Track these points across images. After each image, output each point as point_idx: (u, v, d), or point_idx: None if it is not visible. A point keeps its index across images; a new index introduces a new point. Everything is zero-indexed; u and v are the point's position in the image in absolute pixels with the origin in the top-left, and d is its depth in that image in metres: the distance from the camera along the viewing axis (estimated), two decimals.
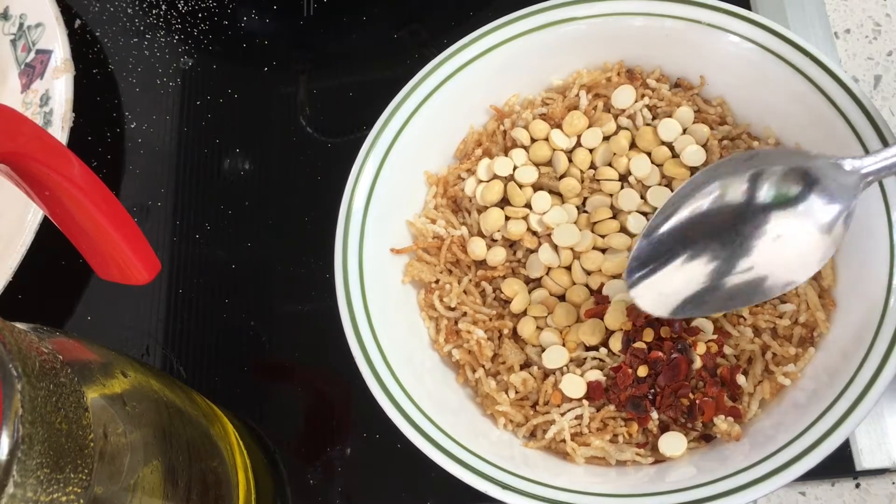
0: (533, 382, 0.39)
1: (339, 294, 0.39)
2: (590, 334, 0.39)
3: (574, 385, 0.38)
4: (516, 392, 0.39)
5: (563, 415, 0.38)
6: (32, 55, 0.53)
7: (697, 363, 0.37)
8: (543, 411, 0.38)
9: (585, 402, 0.38)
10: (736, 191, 0.35)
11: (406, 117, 0.42)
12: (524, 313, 0.40)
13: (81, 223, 0.32)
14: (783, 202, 0.35)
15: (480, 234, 0.42)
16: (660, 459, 0.37)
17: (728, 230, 0.35)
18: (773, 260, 0.35)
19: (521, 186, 0.42)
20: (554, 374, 0.39)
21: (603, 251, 0.41)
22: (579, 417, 0.38)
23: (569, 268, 0.41)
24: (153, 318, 0.49)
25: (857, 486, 0.42)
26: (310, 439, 0.45)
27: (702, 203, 0.36)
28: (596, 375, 0.38)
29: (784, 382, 0.37)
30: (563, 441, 0.37)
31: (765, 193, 0.35)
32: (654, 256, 0.36)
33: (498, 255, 0.41)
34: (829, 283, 0.38)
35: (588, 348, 0.39)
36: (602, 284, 0.40)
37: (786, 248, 0.35)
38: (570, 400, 0.38)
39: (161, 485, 0.32)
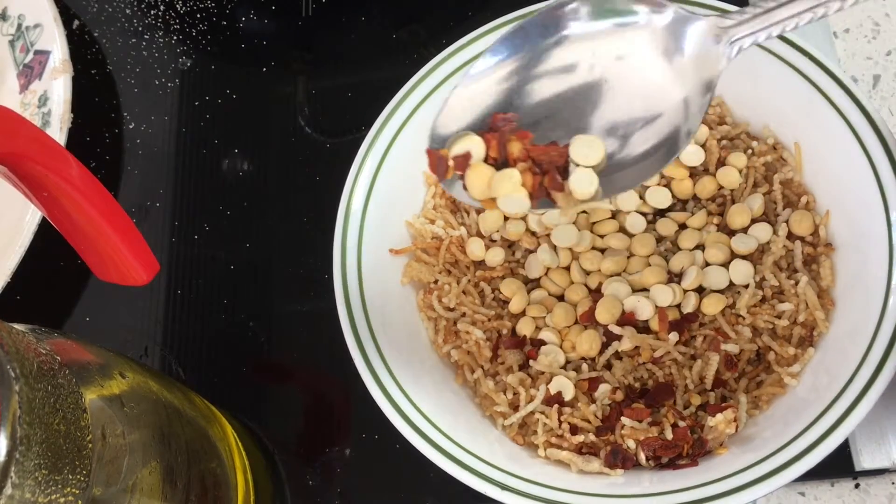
0: (530, 382, 0.39)
1: (338, 295, 0.39)
2: (587, 347, 0.39)
3: (563, 387, 0.38)
4: (514, 393, 0.39)
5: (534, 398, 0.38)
6: (31, 56, 0.53)
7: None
8: (527, 399, 0.38)
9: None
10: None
11: (405, 117, 0.42)
12: (523, 313, 0.40)
13: (80, 224, 0.32)
14: (632, 74, 0.30)
15: (479, 235, 0.42)
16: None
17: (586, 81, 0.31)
18: (619, 143, 0.30)
19: None
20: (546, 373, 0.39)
21: (602, 251, 0.41)
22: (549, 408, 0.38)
23: (567, 268, 0.41)
24: (152, 319, 0.49)
25: (857, 486, 0.42)
26: (309, 440, 0.45)
27: (532, 62, 0.31)
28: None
29: (790, 384, 0.36)
30: (534, 431, 0.38)
31: (608, 65, 0.30)
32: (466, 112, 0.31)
33: (497, 256, 0.41)
34: (828, 283, 0.38)
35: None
36: (600, 284, 0.40)
37: (636, 128, 0.30)
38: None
39: (160, 486, 0.32)
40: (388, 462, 0.43)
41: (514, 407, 0.39)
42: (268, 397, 0.47)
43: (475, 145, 0.30)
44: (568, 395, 0.38)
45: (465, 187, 0.30)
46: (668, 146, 0.30)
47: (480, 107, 0.31)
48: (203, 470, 0.36)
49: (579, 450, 0.37)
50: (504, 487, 0.34)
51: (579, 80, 0.30)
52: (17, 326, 0.29)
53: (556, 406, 0.38)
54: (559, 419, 0.37)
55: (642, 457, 0.36)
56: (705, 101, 0.30)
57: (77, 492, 0.27)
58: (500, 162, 0.30)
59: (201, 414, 0.38)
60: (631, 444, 0.36)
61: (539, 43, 0.31)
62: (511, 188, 0.29)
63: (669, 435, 0.36)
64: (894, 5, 0.51)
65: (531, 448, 0.38)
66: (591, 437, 0.37)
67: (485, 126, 0.31)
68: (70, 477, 0.26)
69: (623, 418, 0.37)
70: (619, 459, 0.36)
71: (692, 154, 0.41)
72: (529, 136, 0.30)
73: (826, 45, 0.50)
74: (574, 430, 0.37)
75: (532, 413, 0.38)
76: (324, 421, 0.46)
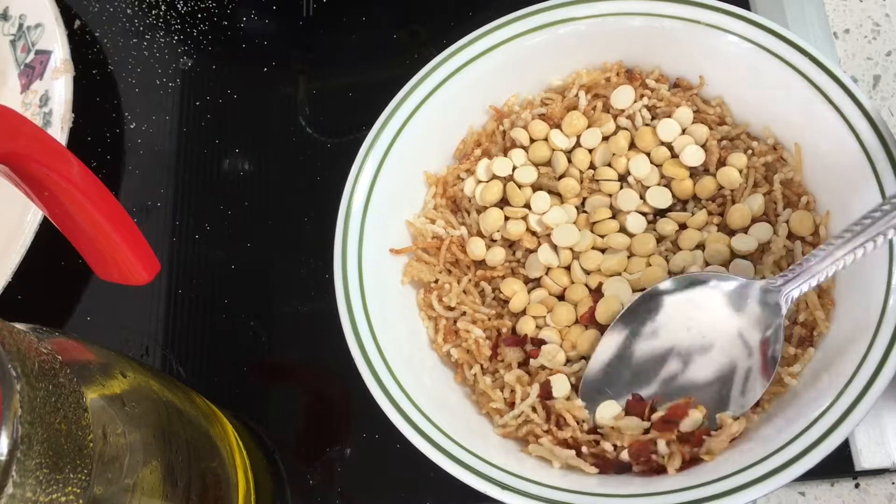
0: (527, 379, 0.39)
1: (339, 294, 0.39)
2: (588, 347, 0.39)
3: (559, 383, 0.38)
4: (512, 391, 0.39)
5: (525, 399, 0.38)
6: (32, 56, 0.53)
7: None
8: (523, 396, 0.38)
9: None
10: (666, 326, 0.38)
11: (405, 117, 0.42)
12: (523, 313, 0.40)
13: (81, 224, 0.32)
14: (716, 333, 0.37)
15: (480, 235, 0.42)
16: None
17: (663, 361, 0.38)
18: (717, 389, 0.37)
19: (520, 187, 0.42)
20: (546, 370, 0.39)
21: (602, 251, 0.41)
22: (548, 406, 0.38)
23: (568, 268, 0.41)
24: (153, 319, 0.49)
25: (857, 486, 0.42)
26: (309, 439, 0.45)
27: (636, 334, 0.38)
28: None
29: (790, 383, 0.36)
30: (529, 430, 0.38)
31: (696, 327, 0.37)
32: (604, 381, 0.38)
33: (497, 256, 0.41)
34: (828, 283, 0.38)
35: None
36: (601, 284, 0.40)
37: (728, 377, 0.37)
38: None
39: (160, 485, 0.32)
40: (388, 462, 0.43)
41: (511, 405, 0.39)
42: (268, 397, 0.47)
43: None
44: (561, 391, 0.38)
45: None
46: (745, 394, 0.37)
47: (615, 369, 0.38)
48: (204, 469, 0.36)
49: (572, 446, 0.37)
50: (504, 487, 0.34)
51: (673, 341, 0.38)
52: (19, 326, 0.29)
53: (550, 403, 0.38)
54: (549, 415, 0.38)
55: (625, 454, 0.36)
56: (774, 344, 0.36)
57: (78, 491, 0.27)
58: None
59: (202, 413, 0.38)
60: (613, 444, 0.36)
61: (640, 316, 0.38)
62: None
63: (664, 449, 0.36)
64: (894, 5, 0.51)
65: (527, 445, 0.38)
66: (583, 434, 0.37)
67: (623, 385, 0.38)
68: (71, 476, 0.26)
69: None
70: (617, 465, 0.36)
71: (692, 154, 0.41)
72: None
73: (826, 46, 0.50)
74: (562, 425, 0.38)
75: (532, 408, 0.38)
76: (324, 420, 0.46)
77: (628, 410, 0.37)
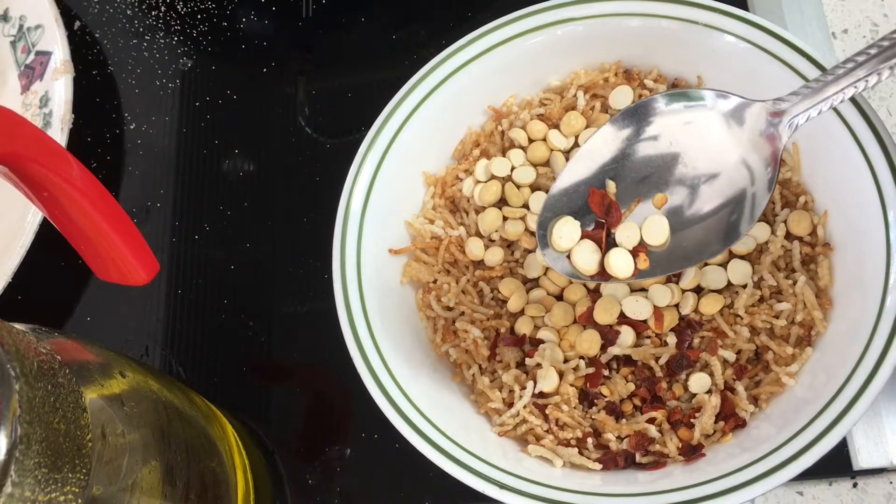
0: (525, 378, 0.39)
1: (337, 295, 0.39)
2: (587, 346, 0.39)
3: (546, 377, 0.38)
4: (510, 391, 0.39)
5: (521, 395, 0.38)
6: (32, 56, 0.53)
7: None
8: (519, 394, 0.39)
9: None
10: (662, 135, 0.36)
11: (404, 118, 0.42)
12: (522, 313, 0.41)
13: (80, 224, 0.33)
14: (711, 146, 0.36)
15: (478, 235, 0.43)
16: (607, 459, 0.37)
17: (657, 181, 0.36)
18: (708, 211, 0.35)
19: (518, 187, 0.42)
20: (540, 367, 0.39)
21: None
22: (540, 406, 0.38)
23: None
24: (152, 319, 0.49)
25: (855, 485, 0.42)
26: (308, 439, 0.46)
27: (630, 148, 0.36)
28: None
29: (788, 383, 0.37)
30: (528, 429, 0.38)
31: (695, 139, 0.36)
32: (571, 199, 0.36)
33: (496, 256, 0.42)
34: (826, 283, 0.38)
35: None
36: (599, 284, 0.40)
37: (718, 194, 0.35)
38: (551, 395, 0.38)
39: (159, 485, 0.32)
40: (388, 462, 0.43)
41: (510, 404, 0.39)
42: (268, 397, 0.47)
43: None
44: (549, 385, 0.38)
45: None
46: (734, 223, 0.35)
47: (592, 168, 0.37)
48: (203, 469, 0.36)
49: (568, 444, 0.37)
50: (503, 486, 0.34)
51: (660, 149, 0.36)
52: (18, 326, 0.30)
53: (544, 401, 0.38)
54: (545, 414, 0.38)
55: (619, 444, 0.36)
56: (770, 174, 0.35)
57: (77, 490, 0.27)
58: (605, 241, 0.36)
59: (201, 413, 0.39)
60: (612, 437, 0.37)
61: (630, 125, 0.37)
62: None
63: (654, 434, 0.36)
64: (893, 6, 0.51)
65: (525, 444, 0.38)
66: (578, 432, 0.37)
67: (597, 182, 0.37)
68: (70, 476, 0.26)
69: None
70: (622, 456, 0.36)
71: None
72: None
73: (825, 46, 0.50)
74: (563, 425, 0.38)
75: (525, 407, 0.38)
76: (324, 420, 0.46)
77: (591, 199, 0.35)
